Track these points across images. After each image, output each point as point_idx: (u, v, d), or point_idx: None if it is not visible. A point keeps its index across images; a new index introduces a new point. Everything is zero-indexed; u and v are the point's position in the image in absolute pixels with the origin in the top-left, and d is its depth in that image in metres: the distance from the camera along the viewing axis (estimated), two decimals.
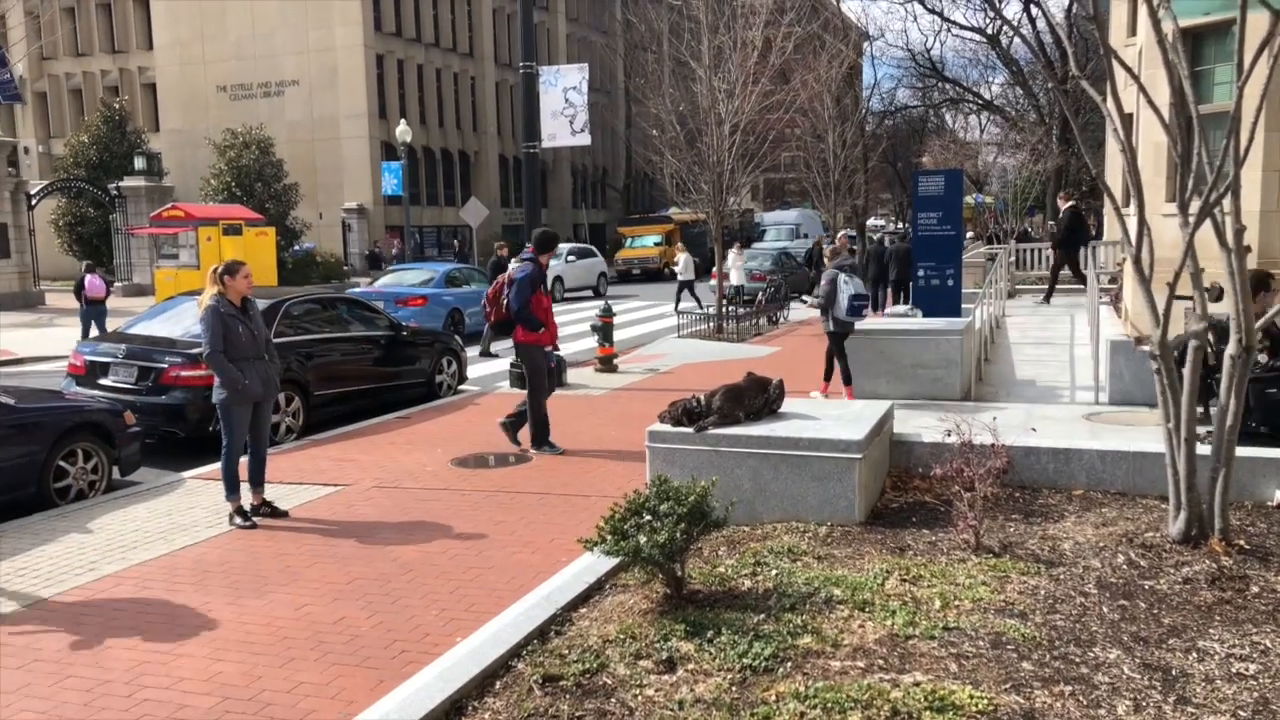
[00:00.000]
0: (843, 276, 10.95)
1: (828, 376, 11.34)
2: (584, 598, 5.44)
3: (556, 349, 9.78)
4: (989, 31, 36.21)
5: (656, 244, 43.44)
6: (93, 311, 20.37)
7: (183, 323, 10.59)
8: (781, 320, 21.39)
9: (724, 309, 19.85)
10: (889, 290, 21.18)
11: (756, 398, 7.02)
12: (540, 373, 9.43)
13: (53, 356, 17.76)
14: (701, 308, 21.52)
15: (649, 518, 4.99)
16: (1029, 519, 6.28)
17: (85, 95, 51.73)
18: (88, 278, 20.72)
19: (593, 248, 37.60)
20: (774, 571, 5.47)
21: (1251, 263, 6.38)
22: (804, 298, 23.20)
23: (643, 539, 4.86)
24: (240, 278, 7.34)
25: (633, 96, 43.62)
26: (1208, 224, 5.49)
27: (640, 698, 4.16)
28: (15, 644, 5.20)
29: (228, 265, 7.40)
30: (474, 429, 10.66)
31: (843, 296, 10.80)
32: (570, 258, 33.13)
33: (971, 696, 3.94)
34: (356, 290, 20.04)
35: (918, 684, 4.07)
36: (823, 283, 11.15)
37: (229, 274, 7.32)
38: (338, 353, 11.57)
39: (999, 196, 42.61)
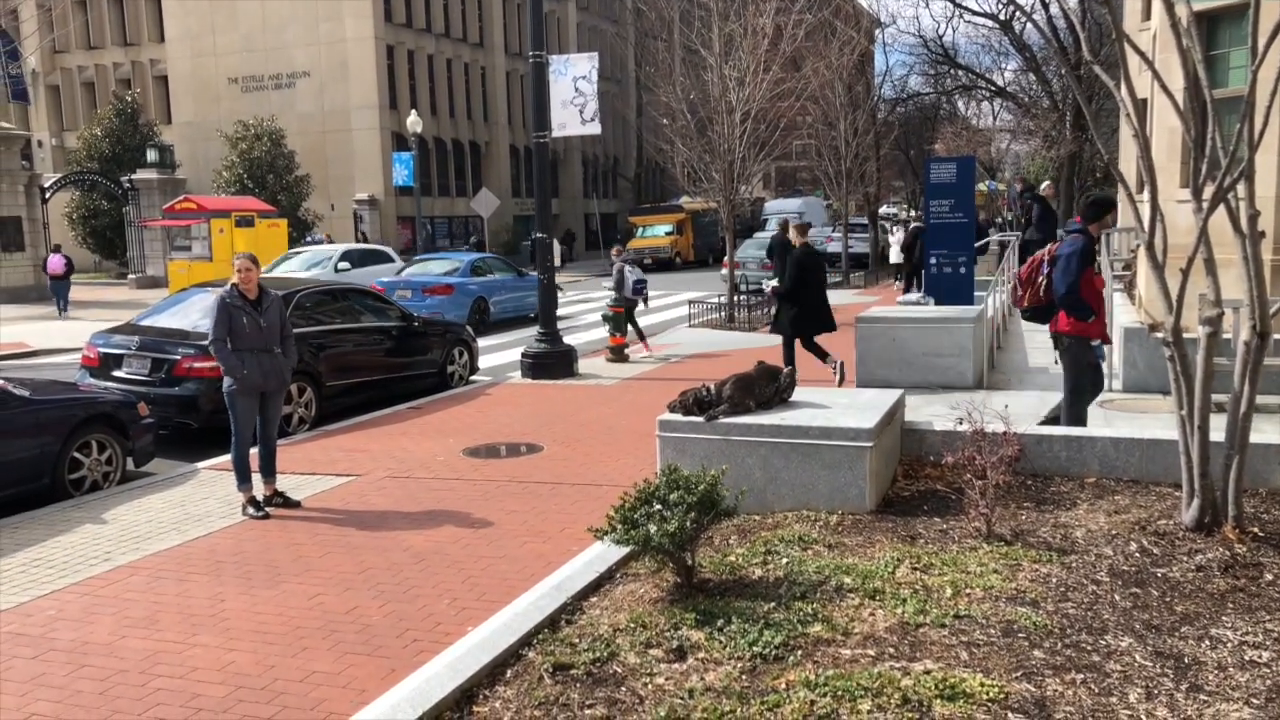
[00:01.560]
0: (628, 268, 15.70)
1: (641, 336, 15.65)
2: (594, 586, 5.45)
3: (1108, 341, 8.05)
4: (1001, 17, 35.88)
5: (668, 233, 43.30)
6: (55, 285, 24.96)
7: (194, 315, 10.64)
8: None
9: (735, 298, 19.86)
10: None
11: (767, 386, 7.01)
12: (1083, 372, 7.80)
13: (67, 349, 17.86)
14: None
15: (659, 507, 4.98)
16: (1041, 507, 6.25)
17: (97, 88, 51.90)
18: (50, 257, 25.38)
19: (386, 249, 27.18)
20: (784, 560, 5.46)
21: (1266, 249, 6.32)
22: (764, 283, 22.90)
23: (653, 528, 4.86)
24: (236, 270, 7.42)
25: (643, 85, 43.49)
26: (1221, 210, 5.44)
27: (650, 686, 4.17)
28: (30, 634, 5.25)
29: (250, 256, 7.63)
30: (485, 419, 10.68)
31: (628, 282, 15.47)
32: (344, 264, 23.52)
33: (982, 684, 3.93)
34: (383, 279, 20.00)
35: (928, 672, 4.06)
36: (614, 272, 15.83)
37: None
38: (350, 344, 11.60)
39: (1011, 184, 42.32)
